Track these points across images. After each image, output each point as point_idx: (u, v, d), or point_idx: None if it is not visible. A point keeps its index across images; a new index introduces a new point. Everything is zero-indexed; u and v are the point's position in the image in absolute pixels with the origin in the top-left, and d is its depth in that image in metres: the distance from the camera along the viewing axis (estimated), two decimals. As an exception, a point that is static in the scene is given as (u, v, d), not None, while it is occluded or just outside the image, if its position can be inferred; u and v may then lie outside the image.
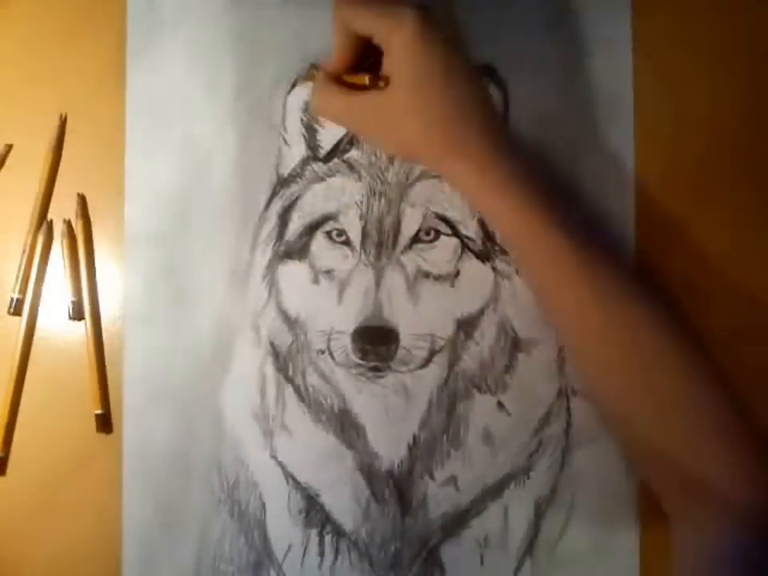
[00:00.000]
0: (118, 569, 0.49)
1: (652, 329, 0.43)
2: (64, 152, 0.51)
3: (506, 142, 0.44)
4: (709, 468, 0.41)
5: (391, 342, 0.48)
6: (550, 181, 0.48)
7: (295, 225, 0.50)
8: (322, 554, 0.49)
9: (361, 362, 0.49)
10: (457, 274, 0.50)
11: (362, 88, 0.45)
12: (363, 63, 0.45)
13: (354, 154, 0.50)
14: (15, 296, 0.50)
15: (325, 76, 0.46)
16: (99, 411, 0.49)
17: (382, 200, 0.49)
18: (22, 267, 0.50)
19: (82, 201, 0.51)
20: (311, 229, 0.50)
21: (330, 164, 0.50)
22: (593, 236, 0.44)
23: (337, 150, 0.50)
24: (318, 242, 0.50)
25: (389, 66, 0.43)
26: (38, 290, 0.51)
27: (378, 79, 0.44)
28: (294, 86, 0.50)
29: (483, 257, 0.50)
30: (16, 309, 0.50)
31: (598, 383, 0.45)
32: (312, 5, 0.51)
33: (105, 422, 0.50)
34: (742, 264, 0.50)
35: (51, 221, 0.51)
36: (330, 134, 0.50)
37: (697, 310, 0.49)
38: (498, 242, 0.49)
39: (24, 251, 0.50)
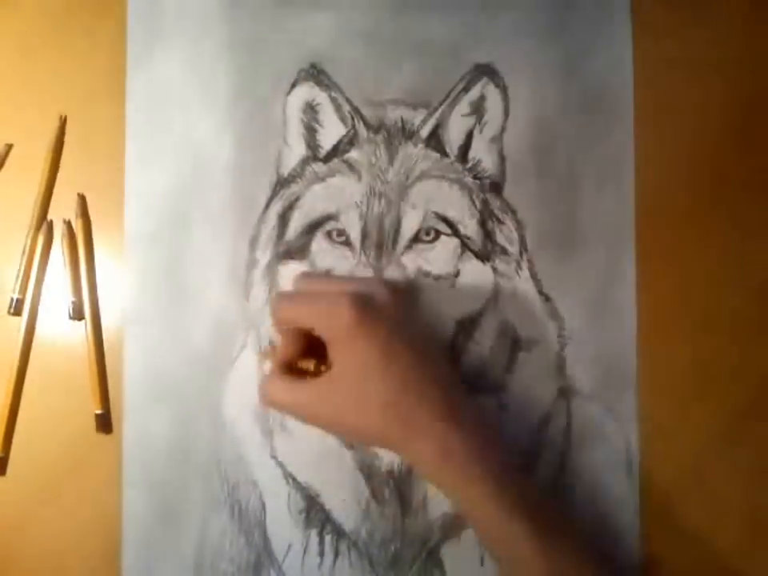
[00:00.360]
0: (117, 568, 0.49)
1: None
2: (64, 152, 0.51)
3: (466, 412, 0.43)
4: None
5: (391, 342, 0.48)
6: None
7: (295, 225, 0.50)
8: (322, 553, 0.49)
9: (361, 361, 0.49)
10: (457, 274, 0.50)
11: (309, 373, 0.44)
12: (314, 347, 0.44)
13: (354, 154, 0.50)
14: (15, 296, 0.50)
15: (275, 364, 0.45)
16: (99, 411, 0.49)
17: (382, 200, 0.49)
18: (22, 267, 0.50)
19: (82, 201, 0.51)
20: (311, 229, 0.50)
21: (330, 164, 0.50)
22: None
23: (337, 150, 0.50)
24: (318, 243, 0.50)
25: (331, 354, 0.42)
26: (37, 290, 0.50)
27: (322, 365, 0.43)
28: (293, 86, 0.51)
29: (483, 257, 0.50)
30: (16, 309, 0.50)
31: None
32: (312, 5, 0.51)
33: (105, 422, 0.50)
34: (740, 263, 0.50)
35: (51, 221, 0.51)
36: (330, 134, 0.50)
37: (696, 304, 0.50)
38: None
39: (24, 251, 0.50)
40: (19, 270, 0.50)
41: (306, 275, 0.47)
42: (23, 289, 0.50)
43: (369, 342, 0.41)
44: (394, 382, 0.41)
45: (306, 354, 0.45)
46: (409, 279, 0.49)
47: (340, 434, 0.44)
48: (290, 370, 0.45)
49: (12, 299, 0.50)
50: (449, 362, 0.47)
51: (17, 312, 0.50)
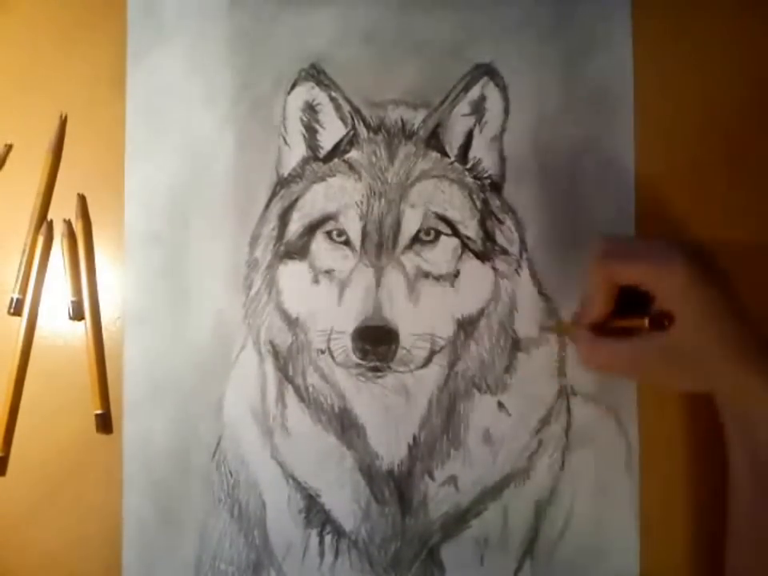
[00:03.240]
0: (117, 569, 0.49)
1: None
2: (64, 152, 0.51)
3: None
4: None
5: (391, 342, 0.48)
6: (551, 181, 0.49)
7: (295, 225, 0.50)
8: (322, 553, 0.49)
9: (361, 361, 0.49)
10: (457, 274, 0.50)
11: (630, 332, 0.44)
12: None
13: (354, 154, 0.50)
14: (15, 296, 0.50)
15: (587, 328, 0.45)
16: (99, 411, 0.49)
17: (382, 200, 0.49)
18: (22, 267, 0.50)
19: (82, 201, 0.51)
20: (311, 229, 0.50)
21: (330, 164, 0.50)
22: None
23: (337, 150, 0.50)
24: (318, 242, 0.50)
25: (665, 306, 0.43)
26: (38, 290, 0.51)
27: (662, 318, 0.43)
28: (294, 86, 0.51)
29: (483, 257, 0.50)
30: (16, 309, 0.50)
31: None
32: (312, 5, 0.51)
33: (105, 422, 0.50)
34: (742, 264, 0.50)
35: (51, 221, 0.51)
36: (330, 134, 0.50)
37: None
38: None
39: (24, 251, 0.50)
40: (19, 270, 0.50)
41: (609, 240, 0.46)
42: (23, 289, 0.50)
43: (705, 295, 0.42)
44: (733, 327, 0.43)
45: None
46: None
47: (673, 384, 0.46)
48: (602, 330, 0.45)
49: (12, 299, 0.50)
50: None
51: (17, 312, 0.50)
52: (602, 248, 0.45)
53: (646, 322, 0.43)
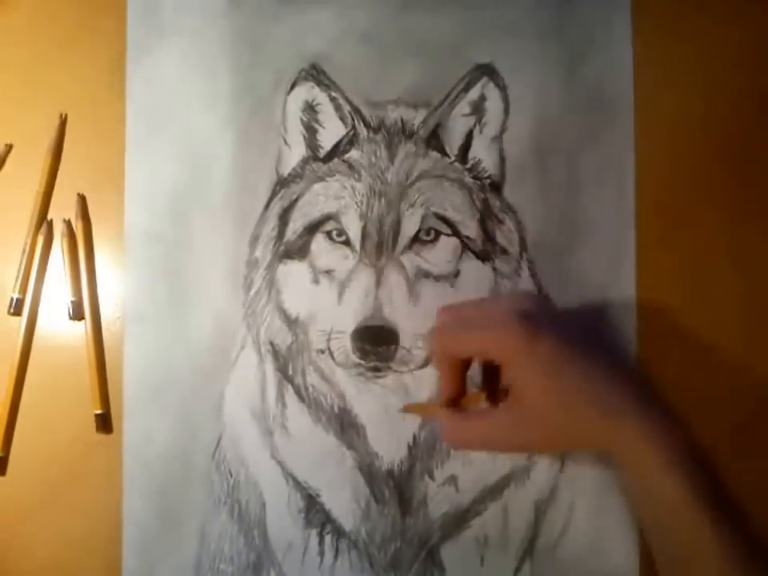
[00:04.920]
0: (117, 569, 0.49)
1: None
2: (64, 152, 0.51)
3: (656, 403, 0.42)
4: None
5: (391, 342, 0.48)
6: (552, 183, 0.49)
7: (295, 225, 0.50)
8: (322, 553, 0.49)
9: (361, 361, 0.49)
10: (457, 274, 0.50)
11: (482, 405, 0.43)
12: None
13: (354, 153, 0.50)
14: (15, 296, 0.50)
15: (445, 407, 0.45)
16: (99, 411, 0.49)
17: (382, 200, 0.49)
18: (22, 267, 0.50)
19: (82, 201, 0.51)
20: (311, 229, 0.50)
21: (330, 164, 0.50)
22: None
23: (337, 150, 0.50)
24: (318, 242, 0.50)
25: (508, 375, 0.42)
26: (38, 290, 0.51)
27: (496, 396, 0.42)
28: (293, 86, 0.51)
29: (483, 257, 0.50)
30: (16, 309, 0.50)
31: None
32: (312, 4, 0.51)
33: (105, 422, 0.50)
34: (740, 263, 0.50)
35: (51, 221, 0.51)
36: (330, 134, 0.50)
37: (696, 310, 0.50)
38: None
39: (24, 251, 0.50)
40: (19, 269, 0.50)
41: (446, 308, 0.46)
42: (23, 289, 0.50)
43: (543, 354, 0.41)
44: (583, 380, 0.41)
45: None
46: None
47: (531, 450, 0.46)
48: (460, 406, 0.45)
49: (12, 299, 0.50)
50: (607, 348, 0.46)
51: (17, 312, 0.50)
52: (436, 327, 0.45)
53: (483, 397, 0.43)
